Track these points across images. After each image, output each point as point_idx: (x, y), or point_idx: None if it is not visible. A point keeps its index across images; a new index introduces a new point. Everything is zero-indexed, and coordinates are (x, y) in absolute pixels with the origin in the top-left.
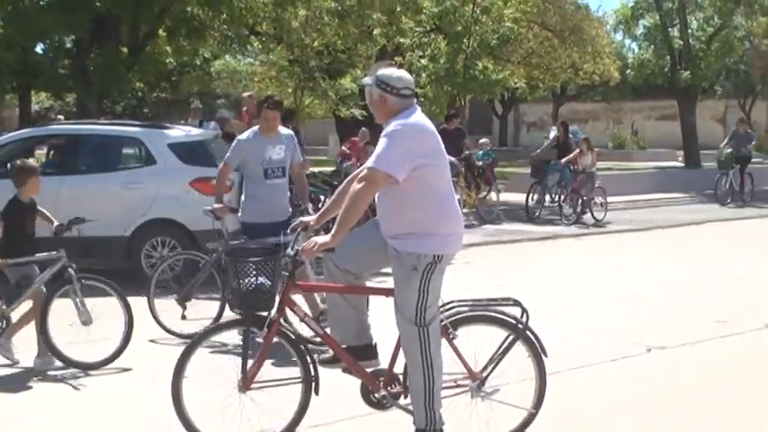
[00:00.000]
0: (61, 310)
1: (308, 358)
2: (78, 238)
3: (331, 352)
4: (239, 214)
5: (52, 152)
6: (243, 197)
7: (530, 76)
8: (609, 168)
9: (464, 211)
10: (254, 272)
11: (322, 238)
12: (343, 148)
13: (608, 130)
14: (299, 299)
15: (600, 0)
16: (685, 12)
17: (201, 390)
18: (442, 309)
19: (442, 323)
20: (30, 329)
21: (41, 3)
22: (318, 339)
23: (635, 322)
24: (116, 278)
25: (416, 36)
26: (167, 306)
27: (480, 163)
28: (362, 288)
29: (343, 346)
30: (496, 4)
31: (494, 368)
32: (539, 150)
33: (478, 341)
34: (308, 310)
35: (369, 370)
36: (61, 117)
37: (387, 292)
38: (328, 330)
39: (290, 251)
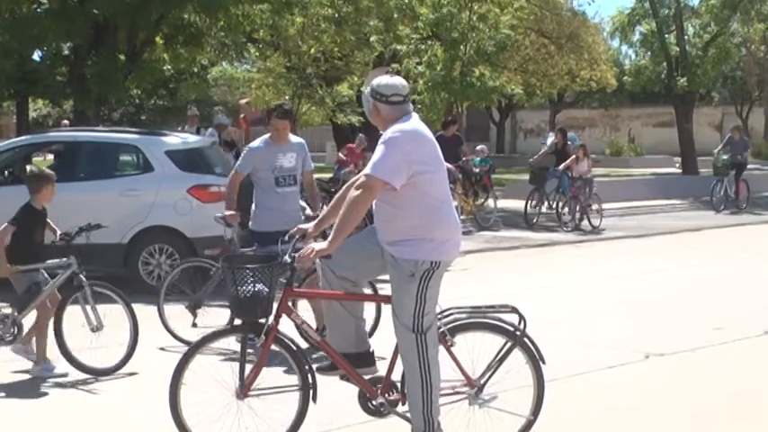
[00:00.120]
0: (65, 318)
1: (306, 366)
2: (76, 245)
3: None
4: (251, 224)
5: (57, 158)
6: (254, 206)
7: (527, 82)
8: (606, 175)
9: (462, 217)
10: (252, 279)
11: (319, 245)
12: (339, 155)
13: (605, 136)
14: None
15: (597, 7)
16: (682, 18)
17: (199, 397)
18: (439, 316)
19: (440, 330)
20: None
21: (39, 10)
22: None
23: (633, 329)
24: (115, 285)
25: (413, 43)
26: (178, 313)
27: (477, 170)
28: (360, 295)
29: (341, 353)
30: (493, 12)
31: (491, 375)
32: (537, 156)
33: (476, 348)
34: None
35: (366, 377)
36: (66, 122)
37: (385, 299)
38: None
39: (287, 258)
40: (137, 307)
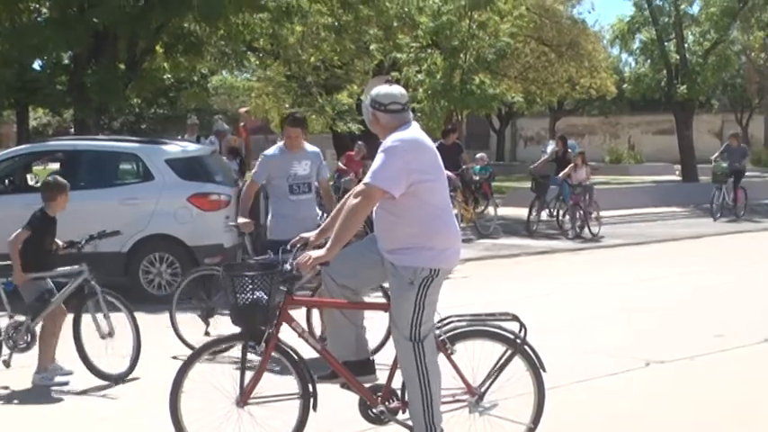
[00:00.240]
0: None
1: (307, 374)
2: (76, 253)
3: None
4: (268, 233)
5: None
6: (270, 216)
7: (527, 90)
8: (606, 182)
9: (462, 225)
10: (251, 287)
11: (316, 253)
12: (339, 163)
13: (605, 144)
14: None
15: (596, 15)
16: (682, 26)
17: (199, 404)
18: (440, 323)
19: (440, 338)
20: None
21: (39, 19)
22: None
23: (633, 336)
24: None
25: (413, 51)
26: (192, 322)
27: (477, 177)
28: (361, 303)
29: (342, 361)
30: (493, 19)
31: (492, 383)
32: (537, 163)
33: (476, 356)
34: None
35: (367, 385)
36: (71, 131)
37: (385, 307)
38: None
39: (287, 266)
40: (137, 315)
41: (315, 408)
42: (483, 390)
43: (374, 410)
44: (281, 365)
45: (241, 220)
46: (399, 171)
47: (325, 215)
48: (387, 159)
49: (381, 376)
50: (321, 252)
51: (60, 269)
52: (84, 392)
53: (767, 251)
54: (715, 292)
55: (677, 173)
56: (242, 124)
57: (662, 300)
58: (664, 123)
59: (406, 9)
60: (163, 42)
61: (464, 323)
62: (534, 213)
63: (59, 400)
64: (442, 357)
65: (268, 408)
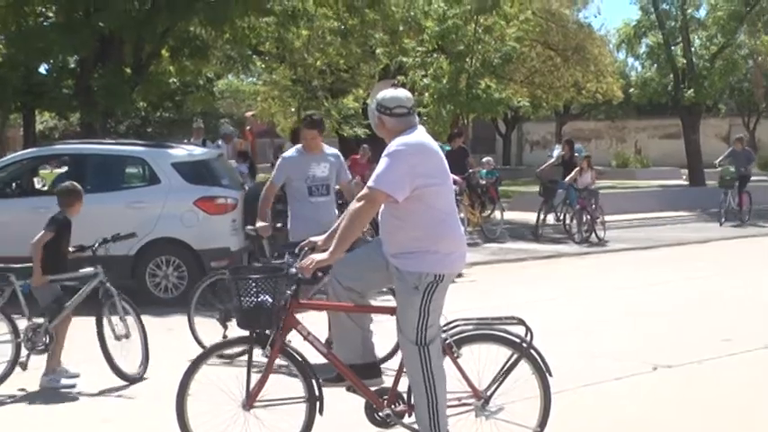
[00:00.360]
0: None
1: (313, 377)
2: (84, 257)
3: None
4: (290, 237)
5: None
6: (290, 218)
7: (533, 95)
8: (612, 187)
9: (468, 229)
10: (255, 290)
11: (319, 256)
12: None
13: (611, 148)
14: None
15: (603, 19)
16: (688, 30)
17: (206, 407)
18: (446, 327)
19: (447, 341)
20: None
21: (45, 23)
22: None
23: (641, 341)
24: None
25: (419, 55)
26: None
27: (484, 182)
28: (367, 307)
29: (348, 364)
30: (499, 24)
31: (498, 387)
32: (543, 166)
33: (482, 360)
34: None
35: (373, 388)
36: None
37: (391, 311)
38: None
39: (292, 270)
40: (144, 318)
41: (321, 411)
42: (489, 393)
43: (380, 414)
44: (286, 368)
45: (259, 224)
46: (404, 175)
47: None
48: (391, 163)
49: (387, 380)
50: (324, 255)
51: (79, 271)
52: (88, 394)
53: None
54: (722, 296)
55: (684, 177)
56: (248, 128)
57: (669, 304)
58: (670, 128)
59: (412, 13)
60: (169, 46)
61: (470, 327)
62: (542, 217)
63: (65, 401)
64: (447, 361)
65: (274, 411)
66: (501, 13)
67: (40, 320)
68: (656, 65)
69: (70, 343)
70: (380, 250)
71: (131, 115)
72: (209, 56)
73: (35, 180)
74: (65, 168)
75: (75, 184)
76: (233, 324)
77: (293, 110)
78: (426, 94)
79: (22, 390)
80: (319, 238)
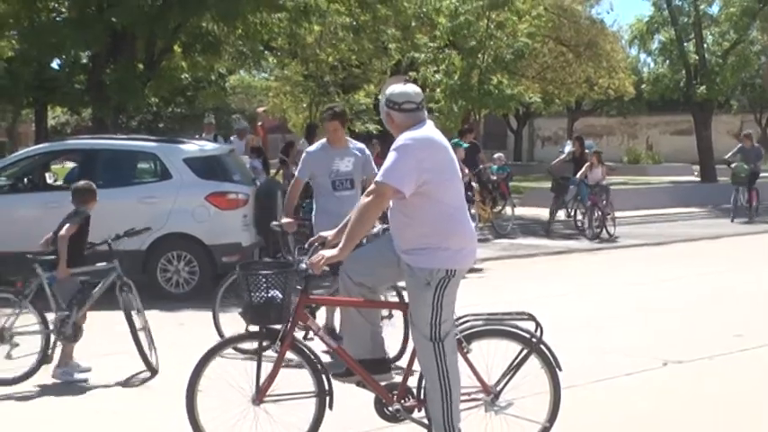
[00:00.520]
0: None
1: (322, 372)
2: (95, 252)
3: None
4: (315, 231)
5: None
6: (314, 212)
7: (544, 90)
8: (624, 183)
9: (479, 225)
10: (265, 285)
11: (329, 252)
12: None
13: (623, 144)
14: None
15: (615, 15)
16: (701, 26)
17: (216, 402)
18: (456, 323)
19: (456, 337)
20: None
21: (58, 19)
22: None
23: (651, 336)
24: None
25: (431, 51)
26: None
27: (495, 177)
28: (377, 302)
29: (357, 359)
30: (511, 20)
31: (507, 382)
32: (554, 162)
33: (492, 355)
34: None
35: (382, 383)
36: None
37: (401, 306)
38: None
39: (302, 265)
40: (155, 313)
41: (331, 406)
42: (499, 389)
43: (390, 409)
44: (296, 363)
45: (285, 219)
46: (411, 169)
47: None
48: (399, 157)
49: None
50: (334, 251)
51: (96, 265)
52: (99, 387)
53: None
54: (734, 292)
55: (695, 173)
56: (259, 123)
57: (680, 300)
58: (682, 124)
59: (424, 9)
60: (181, 42)
61: (480, 322)
62: (552, 213)
63: (76, 393)
64: (457, 356)
65: (284, 405)
66: (513, 8)
67: (66, 312)
68: (668, 61)
69: (81, 338)
70: (391, 246)
71: (143, 111)
72: (221, 51)
73: (47, 175)
74: (75, 164)
75: (90, 182)
76: None
77: (305, 105)
78: (438, 90)
79: (35, 383)
80: (330, 233)
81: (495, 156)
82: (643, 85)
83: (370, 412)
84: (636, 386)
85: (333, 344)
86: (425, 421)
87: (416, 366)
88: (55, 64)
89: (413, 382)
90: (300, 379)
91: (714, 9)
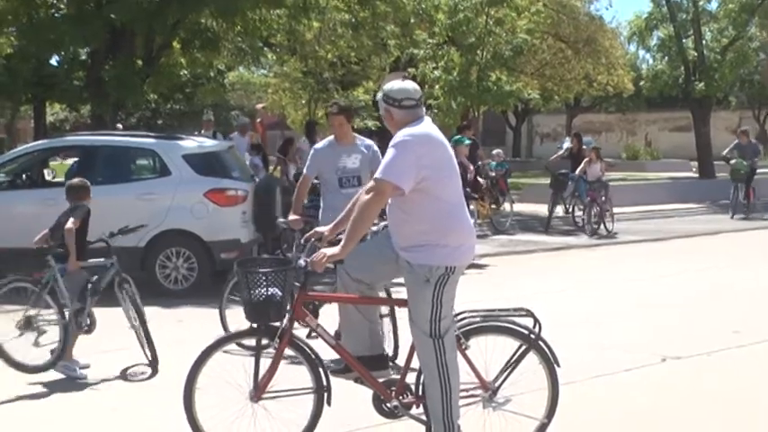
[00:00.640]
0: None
1: (321, 369)
2: (93, 248)
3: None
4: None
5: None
6: (321, 209)
7: (543, 87)
8: (623, 179)
9: (478, 221)
10: (265, 282)
11: (331, 250)
12: None
13: (622, 141)
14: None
15: (614, 11)
16: (699, 23)
17: (214, 399)
18: (454, 319)
19: (455, 333)
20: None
21: (56, 15)
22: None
23: (650, 332)
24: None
25: (430, 48)
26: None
27: (494, 174)
28: (376, 299)
29: (356, 355)
30: (510, 16)
31: (506, 378)
32: (552, 158)
33: (490, 351)
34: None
35: (381, 380)
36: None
37: (400, 303)
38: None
39: (301, 262)
40: (154, 310)
41: (329, 402)
42: (497, 385)
43: (388, 405)
44: (294, 360)
45: (291, 217)
46: (410, 166)
47: None
48: (397, 154)
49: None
50: (335, 249)
51: (91, 261)
52: (97, 384)
53: None
54: (732, 288)
55: (694, 170)
56: (258, 120)
57: (679, 296)
58: (681, 120)
59: (423, 5)
60: (180, 38)
61: (478, 318)
62: (549, 209)
63: (74, 390)
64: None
65: (283, 402)
66: (512, 5)
67: (79, 305)
68: (667, 57)
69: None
70: (390, 242)
71: (142, 107)
72: (220, 48)
73: (45, 172)
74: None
75: (83, 179)
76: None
77: (304, 102)
78: (437, 87)
79: (34, 380)
80: (325, 228)
81: (494, 152)
82: (642, 82)
83: (368, 408)
84: (634, 382)
85: (331, 341)
86: (424, 418)
87: (414, 363)
88: (54, 60)
89: (411, 378)
90: (299, 375)
91: (713, 5)
